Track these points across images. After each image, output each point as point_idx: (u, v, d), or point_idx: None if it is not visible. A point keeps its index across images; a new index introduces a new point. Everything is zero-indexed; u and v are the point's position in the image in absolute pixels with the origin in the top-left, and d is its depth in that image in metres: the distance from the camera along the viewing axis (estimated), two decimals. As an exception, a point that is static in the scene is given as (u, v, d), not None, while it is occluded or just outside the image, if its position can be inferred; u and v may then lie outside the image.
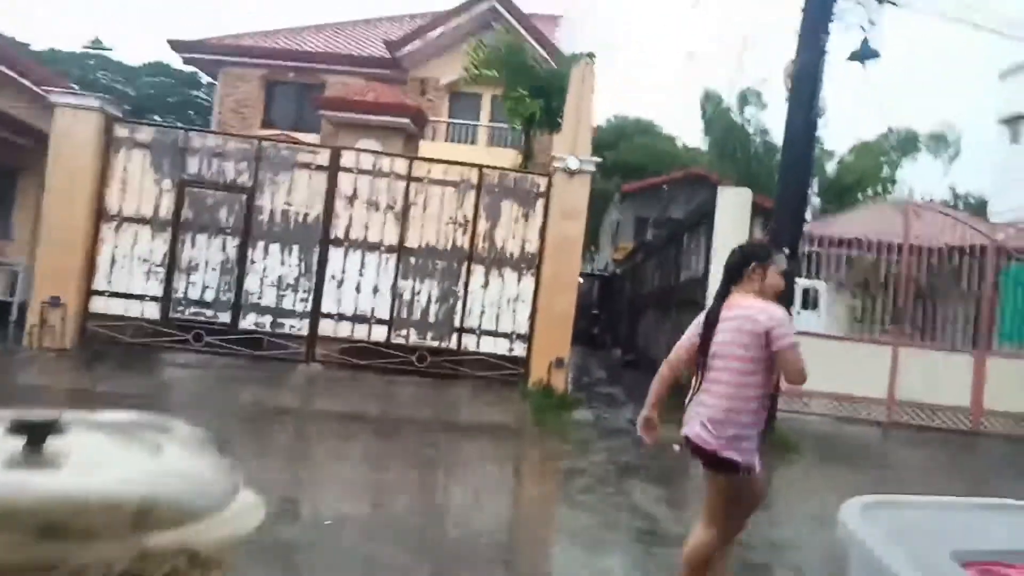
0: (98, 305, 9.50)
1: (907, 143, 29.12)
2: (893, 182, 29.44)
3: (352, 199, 9.94)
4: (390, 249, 9.95)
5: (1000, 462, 8.96)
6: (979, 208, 27.63)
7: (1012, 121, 27.14)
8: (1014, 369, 10.24)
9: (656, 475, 6.62)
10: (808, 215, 13.86)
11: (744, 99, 31.75)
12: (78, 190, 9.31)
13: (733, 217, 9.86)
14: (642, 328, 16.82)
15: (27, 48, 30.43)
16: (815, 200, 28.12)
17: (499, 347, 9.94)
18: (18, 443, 0.93)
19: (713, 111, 32.87)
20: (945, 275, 11.43)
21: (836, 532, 1.09)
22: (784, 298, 8.80)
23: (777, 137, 16.01)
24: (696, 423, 3.09)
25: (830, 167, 30.35)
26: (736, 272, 3.24)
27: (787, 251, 8.92)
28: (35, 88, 12.27)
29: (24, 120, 11.23)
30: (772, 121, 29.07)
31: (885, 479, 7.32)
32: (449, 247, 10.02)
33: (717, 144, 32.53)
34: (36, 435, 0.94)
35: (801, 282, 11.27)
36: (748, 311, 3.10)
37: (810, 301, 14.31)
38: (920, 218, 11.03)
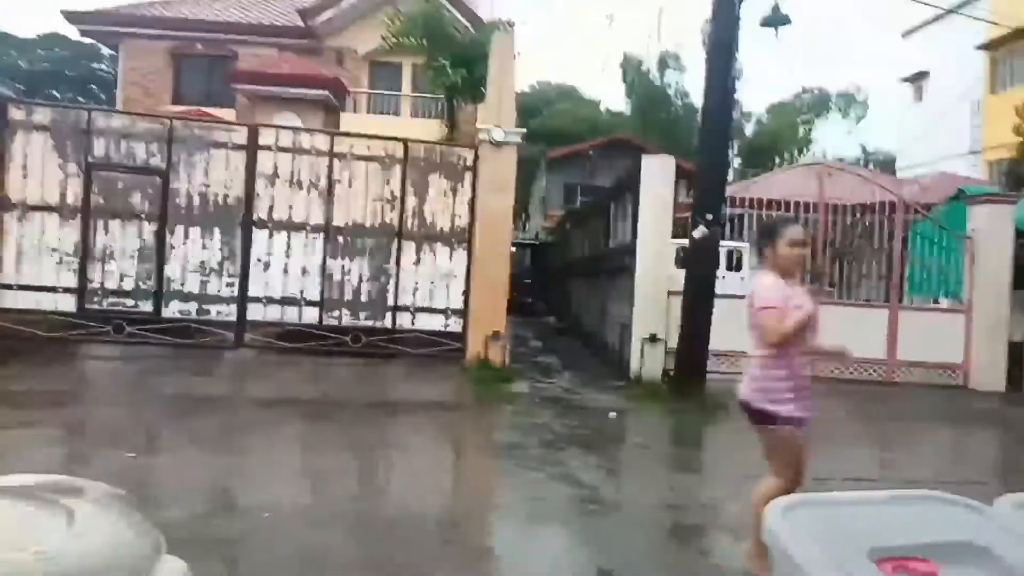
0: (7, 299, 8.99)
1: (819, 103, 30.20)
2: (809, 142, 30.56)
3: (273, 178, 9.66)
4: (316, 228, 9.74)
5: (912, 408, 9.55)
6: (887, 165, 29.02)
7: (915, 79, 28.45)
8: (923, 321, 10.88)
9: (593, 443, 6.78)
10: (729, 178, 14.25)
11: (664, 63, 32.21)
12: (-26, 178, 8.71)
13: (658, 184, 10.04)
14: (574, 295, 17.05)
15: (-98, 21, 28.05)
16: (735, 162, 28.97)
17: (435, 323, 9.92)
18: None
19: (634, 75, 33.24)
20: (858, 233, 12.00)
21: (764, 536, 1.15)
22: (708, 260, 9.13)
23: (697, 100, 16.35)
24: (743, 387, 3.55)
25: (749, 129, 31.25)
26: (760, 254, 3.59)
27: (709, 216, 9.25)
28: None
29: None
30: (692, 84, 29.66)
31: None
32: (378, 224, 9.88)
33: (639, 108, 32.97)
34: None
35: (725, 244, 11.62)
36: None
37: (735, 262, 14.79)
38: (833, 178, 11.49)
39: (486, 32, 14.12)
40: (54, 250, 9.14)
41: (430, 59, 15.82)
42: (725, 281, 11.50)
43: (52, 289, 9.11)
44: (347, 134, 10.64)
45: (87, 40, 24.18)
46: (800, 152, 29.50)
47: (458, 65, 15.24)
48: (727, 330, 9.67)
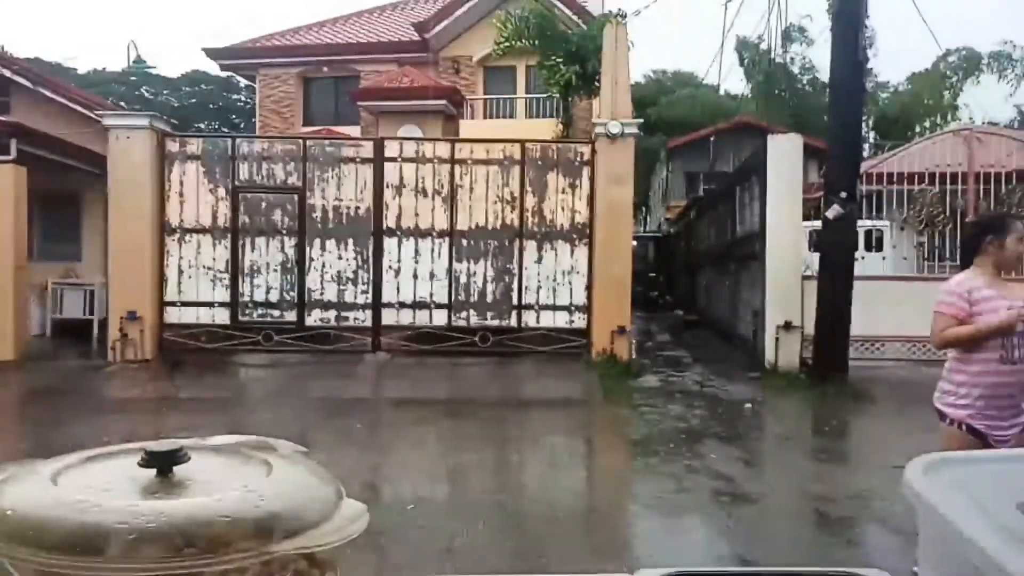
0: (172, 315, 9.90)
1: (969, 64, 27.58)
2: (955, 108, 28.06)
3: (400, 188, 10.06)
4: (442, 234, 10.05)
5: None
6: (1049, 126, 26.14)
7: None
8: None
9: (730, 435, 6.59)
10: (864, 153, 13.41)
11: (788, 37, 30.63)
12: (140, 207, 9.66)
13: (786, 165, 9.60)
14: (702, 287, 16.61)
15: (73, 72, 31.51)
16: (870, 136, 27.12)
17: (559, 320, 9.98)
18: (150, 473, 1.01)
19: (752, 56, 31.90)
20: (1016, 201, 10.93)
21: (903, 491, 1.10)
22: (844, 241, 8.63)
23: (826, 74, 15.42)
24: None
25: (885, 99, 29.13)
26: (972, 247, 3.32)
27: (843, 194, 8.75)
28: (88, 112, 12.72)
29: (82, 145, 11.67)
30: (820, 58, 28.04)
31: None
32: (499, 225, 10.06)
33: (761, 89, 31.59)
34: (164, 465, 1.02)
35: (863, 223, 10.96)
36: None
37: (873, 242, 13.89)
38: (984, 144, 10.55)
39: (597, 26, 14.04)
40: (208, 268, 9.96)
41: (543, 58, 15.92)
42: (864, 263, 10.84)
43: (209, 304, 9.93)
44: (466, 140, 10.92)
45: (225, 74, 26.18)
46: (945, 120, 27.21)
47: (571, 62, 15.23)
48: (869, 314, 9.14)
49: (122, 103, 26.07)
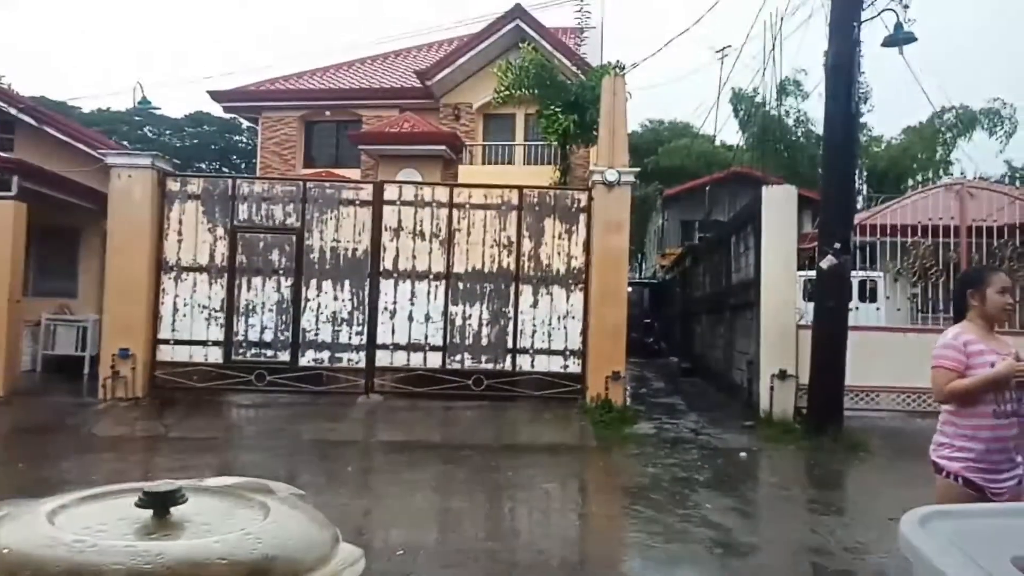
0: (164, 353, 9.85)
1: (966, 121, 28.12)
2: (947, 163, 28.55)
3: (398, 230, 10.13)
4: (438, 276, 10.09)
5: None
6: (1038, 181, 26.60)
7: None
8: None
9: (725, 485, 6.54)
10: (857, 205, 13.58)
11: (783, 90, 31.26)
12: (138, 244, 9.70)
13: (780, 215, 9.73)
14: (697, 334, 16.63)
15: (78, 111, 31.90)
16: (863, 189, 27.50)
17: (554, 365, 9.96)
18: (147, 514, 1.01)
19: (747, 107, 32.53)
20: (1007, 255, 11.05)
21: (898, 544, 1.11)
22: (839, 291, 8.68)
23: (820, 126, 15.70)
24: None
25: (878, 152, 29.64)
26: (960, 304, 3.37)
27: (837, 244, 8.84)
28: (90, 151, 12.86)
29: (83, 183, 11.76)
30: (814, 110, 28.60)
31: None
32: (496, 269, 10.11)
33: (755, 140, 32.14)
34: (162, 505, 1.02)
35: (857, 274, 11.04)
36: None
37: (868, 293, 13.98)
38: (976, 198, 10.71)
39: (596, 76, 14.33)
40: (204, 307, 9.95)
41: (542, 107, 16.19)
42: (858, 313, 10.89)
43: (203, 343, 9.90)
44: (466, 185, 11.05)
45: (228, 115, 26.53)
46: (937, 174, 27.65)
47: (569, 111, 15.49)
48: (863, 364, 9.16)
49: (125, 142, 26.37)
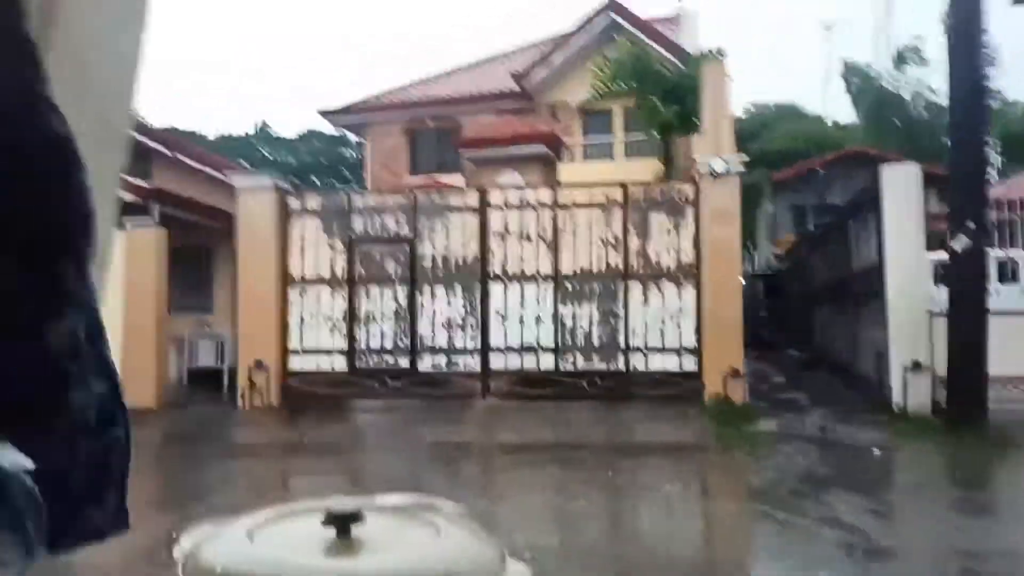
0: (294, 363, 10.44)
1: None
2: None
3: (504, 235, 10.28)
4: (546, 278, 10.16)
5: None
6: None
7: None
8: None
9: (859, 485, 6.25)
10: (992, 178, 12.60)
11: (901, 59, 29.36)
12: (264, 261, 10.34)
13: (902, 196, 9.18)
14: (817, 325, 15.92)
15: (204, 139, 34.27)
16: (997, 160, 25.40)
17: (668, 363, 9.81)
18: (331, 532, 1.11)
19: (860, 82, 30.76)
20: None
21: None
22: (974, 274, 8.09)
23: (944, 95, 14.62)
24: None
25: (1013, 118, 27.27)
26: None
27: (971, 224, 8.23)
28: (217, 175, 13.80)
29: (213, 204, 12.65)
30: (934, 80, 26.68)
31: None
32: (603, 268, 10.07)
33: (870, 116, 30.36)
34: (344, 524, 1.12)
35: (995, 253, 10.27)
36: None
37: (1008, 274, 12.94)
38: None
39: (695, 64, 14.00)
40: (327, 317, 10.48)
41: (641, 99, 15.99)
42: (1000, 296, 10.11)
43: (329, 352, 10.42)
44: (568, 185, 11.07)
45: (338, 132, 27.75)
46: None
47: (670, 101, 15.21)
48: (1008, 352, 8.48)
49: (247, 164, 28.09)
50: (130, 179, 11.57)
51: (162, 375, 10.74)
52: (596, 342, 10.02)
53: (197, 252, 13.85)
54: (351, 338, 10.37)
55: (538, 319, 10.13)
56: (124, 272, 10.26)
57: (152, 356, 10.36)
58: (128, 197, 10.89)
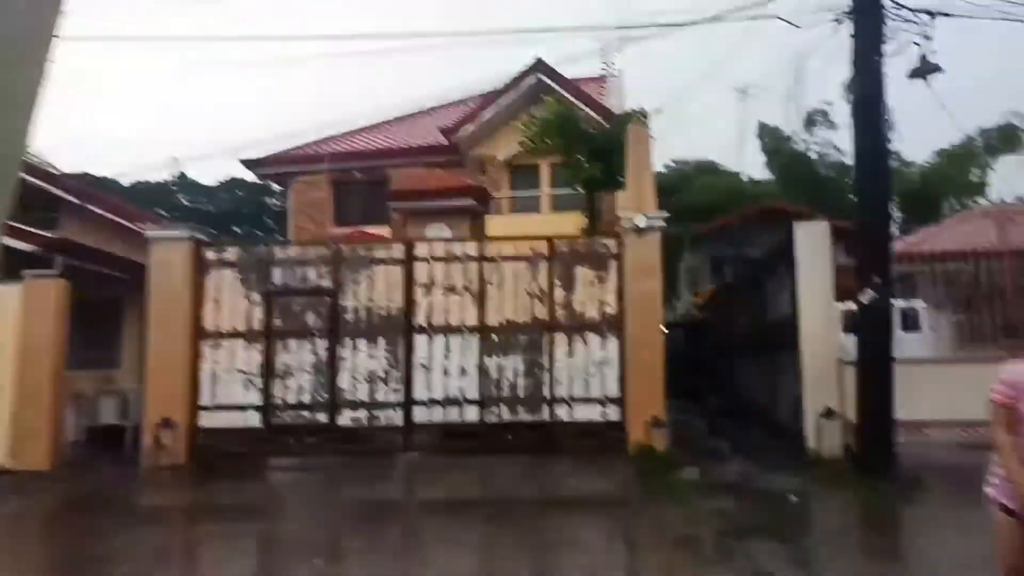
0: (205, 420, 9.95)
1: (1003, 140, 27.59)
2: (983, 186, 28.02)
3: (430, 286, 10.20)
4: (472, 329, 10.10)
5: None
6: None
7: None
8: None
9: (779, 532, 6.30)
10: (893, 233, 13.34)
11: (811, 121, 31.19)
12: (176, 314, 9.91)
13: (813, 251, 9.61)
14: (736, 373, 16.32)
15: (118, 184, 33.06)
16: (896, 214, 27.03)
17: (593, 413, 9.83)
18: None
19: (773, 142, 32.49)
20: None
21: None
22: (881, 324, 8.47)
23: (850, 155, 15.56)
24: None
25: (910, 176, 29.20)
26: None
27: (876, 278, 8.65)
28: (130, 225, 13.27)
29: (124, 256, 12.11)
30: (843, 141, 28.40)
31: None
32: (529, 320, 10.10)
33: (783, 173, 32.01)
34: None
35: (897, 303, 10.79)
36: None
37: (909, 322, 13.64)
38: (1017, 223, 10.47)
39: (620, 123, 14.45)
40: (241, 371, 10.07)
41: (567, 157, 16.35)
42: (903, 344, 10.60)
43: (242, 408, 9.98)
44: (495, 238, 11.13)
45: (260, 181, 27.24)
46: (973, 198, 27.14)
47: (595, 159, 15.60)
48: (912, 397, 8.87)
49: (163, 211, 27.19)
50: (31, 229, 11.00)
51: (57, 434, 10.01)
52: (521, 393, 9.96)
53: (106, 305, 13.20)
54: (267, 393, 9.99)
55: (463, 371, 10.01)
56: (20, 326, 9.66)
57: (46, 415, 9.66)
58: (26, 247, 10.33)
